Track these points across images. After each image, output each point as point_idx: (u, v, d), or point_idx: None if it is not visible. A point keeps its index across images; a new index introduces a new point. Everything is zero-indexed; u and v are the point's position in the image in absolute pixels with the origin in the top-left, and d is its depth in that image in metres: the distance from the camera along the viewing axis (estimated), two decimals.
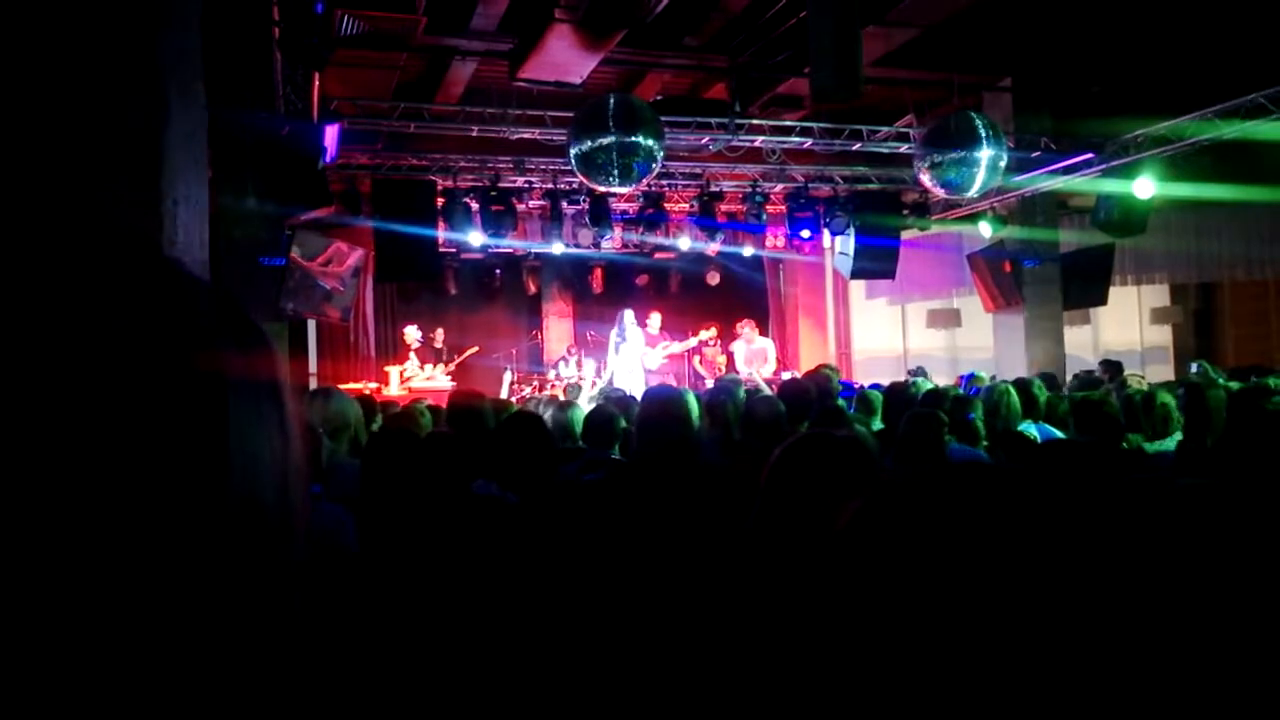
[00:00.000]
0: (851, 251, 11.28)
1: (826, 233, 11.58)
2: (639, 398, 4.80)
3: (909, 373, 10.67)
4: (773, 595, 1.63)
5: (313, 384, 10.12)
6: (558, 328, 14.27)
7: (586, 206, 10.53)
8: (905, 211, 11.65)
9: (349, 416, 3.89)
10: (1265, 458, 2.64)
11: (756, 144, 9.84)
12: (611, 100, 7.61)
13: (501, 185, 10.08)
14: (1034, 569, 0.45)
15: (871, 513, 0.55)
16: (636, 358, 11.67)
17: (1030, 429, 5.03)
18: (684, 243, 12.05)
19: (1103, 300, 11.46)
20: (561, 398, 8.78)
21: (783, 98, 9.95)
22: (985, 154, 8.13)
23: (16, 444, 0.42)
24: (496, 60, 8.56)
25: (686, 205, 11.48)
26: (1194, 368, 8.51)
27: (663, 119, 8.02)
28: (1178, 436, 4.46)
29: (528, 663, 1.97)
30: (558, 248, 11.17)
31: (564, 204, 10.61)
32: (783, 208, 11.66)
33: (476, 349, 11.84)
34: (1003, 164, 8.38)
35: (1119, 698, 0.41)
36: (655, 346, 11.93)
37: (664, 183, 10.69)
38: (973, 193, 8.62)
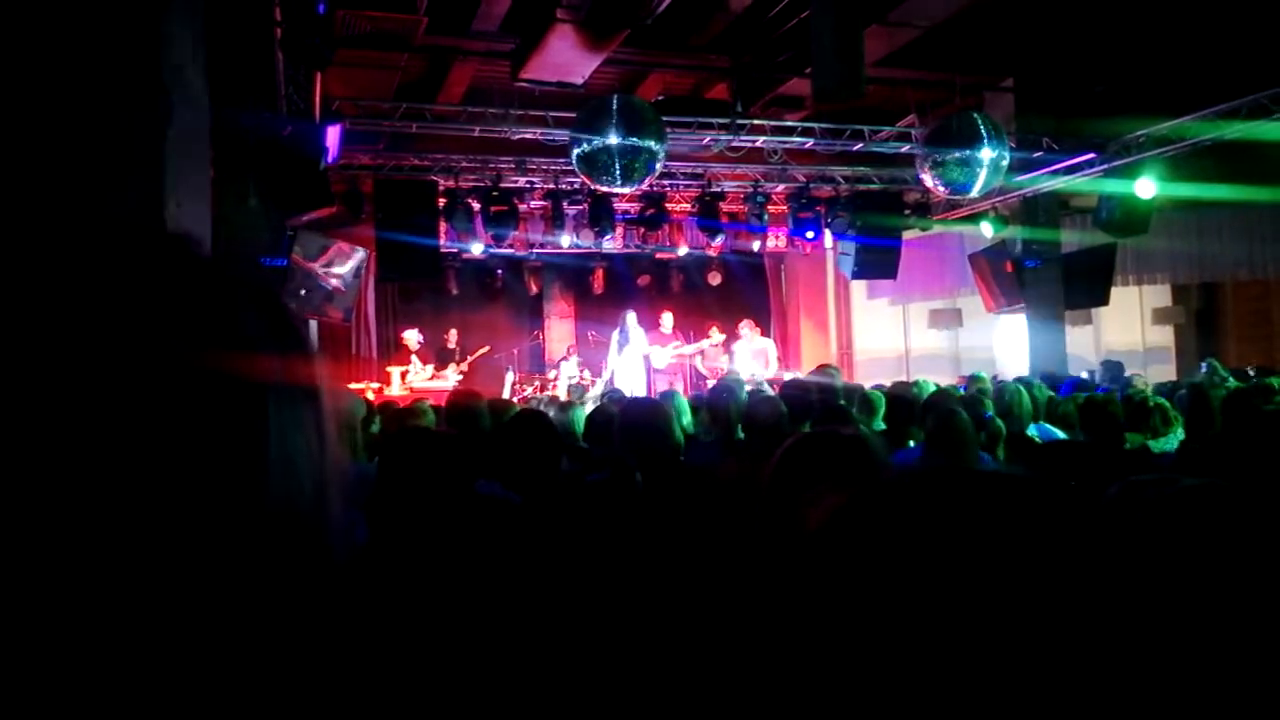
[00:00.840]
0: (853, 252, 11.28)
1: (828, 233, 11.58)
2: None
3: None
4: (771, 595, 1.63)
5: None
6: (559, 328, 14.28)
7: (588, 207, 10.54)
8: (907, 212, 11.64)
9: (355, 417, 3.90)
10: (1262, 457, 2.64)
11: (758, 144, 9.83)
12: (613, 101, 7.62)
13: (503, 186, 10.08)
14: (1023, 574, 0.44)
15: (849, 513, 0.55)
16: (639, 359, 11.69)
17: (1030, 429, 5.02)
18: (682, 251, 12.07)
19: (1104, 300, 11.45)
20: (564, 399, 8.78)
21: (784, 98, 9.95)
22: (987, 154, 8.13)
23: (48, 445, 0.42)
24: (498, 61, 8.56)
25: (688, 205, 11.48)
26: (1203, 368, 8.51)
27: (664, 119, 8.03)
28: (1179, 435, 4.46)
29: (532, 662, 1.97)
30: (556, 248, 11.16)
31: (565, 204, 10.61)
32: (784, 208, 11.66)
33: (488, 349, 11.86)
34: (1004, 164, 8.38)
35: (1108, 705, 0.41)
36: (666, 346, 11.96)
37: (665, 183, 10.69)
38: (974, 193, 8.62)
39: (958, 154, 8.21)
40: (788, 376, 9.80)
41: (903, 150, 9.84)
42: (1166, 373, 12.74)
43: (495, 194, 9.97)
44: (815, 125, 9.70)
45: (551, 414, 4.62)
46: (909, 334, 14.77)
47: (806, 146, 10.04)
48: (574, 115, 7.95)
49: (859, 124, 9.70)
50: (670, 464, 3.02)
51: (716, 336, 12.40)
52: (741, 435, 4.37)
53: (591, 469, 3.57)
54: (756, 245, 12.60)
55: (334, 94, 8.19)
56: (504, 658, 1.93)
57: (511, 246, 11.52)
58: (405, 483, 2.26)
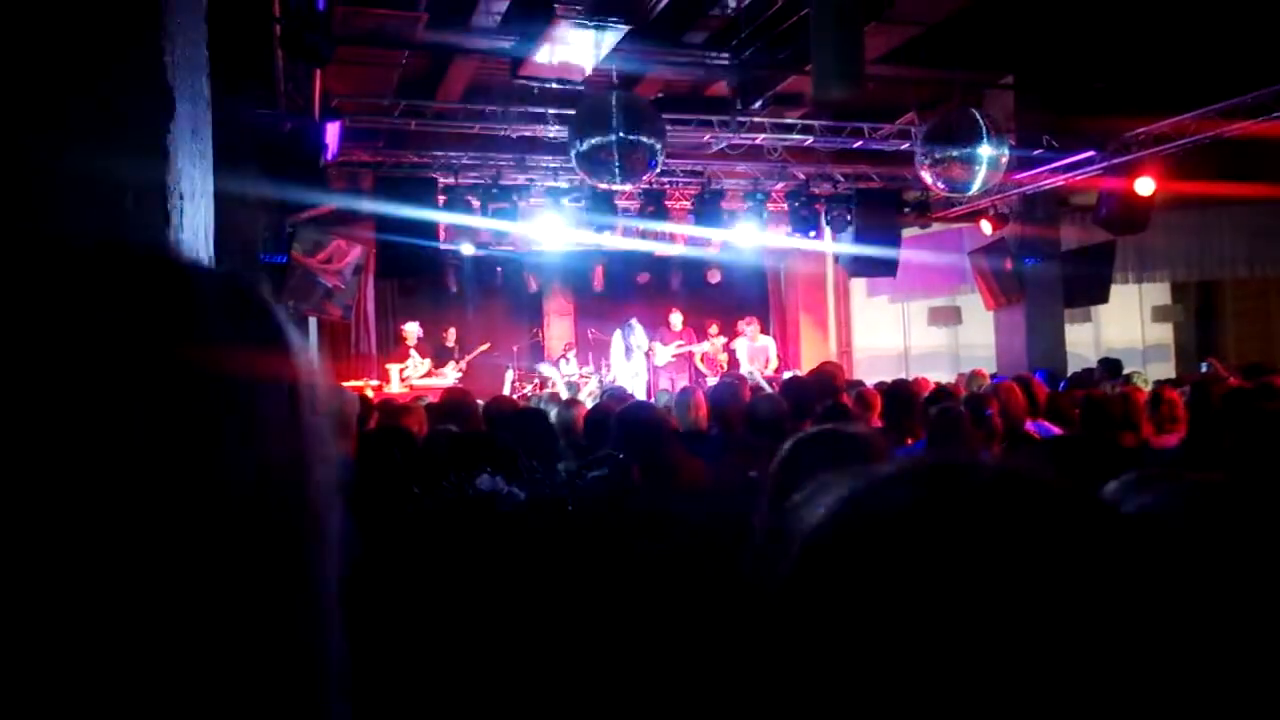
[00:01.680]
0: (852, 249, 11.28)
1: (828, 230, 11.58)
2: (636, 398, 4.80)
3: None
4: (769, 592, 1.63)
5: None
6: (558, 325, 14.27)
7: (587, 204, 10.53)
8: (906, 209, 11.64)
9: (349, 414, 3.90)
10: (1262, 456, 2.64)
11: (758, 141, 9.83)
12: (613, 97, 7.61)
13: (503, 182, 10.08)
14: (1030, 569, 0.44)
15: (848, 506, 0.54)
16: (641, 360, 11.74)
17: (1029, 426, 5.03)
18: (679, 248, 12.08)
19: (1104, 298, 11.45)
20: (564, 396, 8.78)
21: (784, 95, 9.93)
22: (986, 151, 8.12)
23: (8, 443, 0.42)
24: (498, 57, 8.55)
25: (688, 203, 11.48)
26: (1204, 367, 8.52)
27: (664, 116, 8.02)
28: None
29: (531, 660, 1.97)
30: (556, 245, 11.15)
31: (565, 201, 10.61)
32: (784, 205, 11.66)
33: (488, 346, 11.85)
34: (1004, 161, 8.37)
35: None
36: (669, 344, 11.98)
37: (665, 180, 10.68)
38: (974, 190, 8.62)
39: (957, 151, 8.21)
40: (787, 375, 9.80)
41: (902, 148, 9.84)
42: (1166, 370, 12.74)
43: (495, 190, 9.96)
44: (815, 122, 9.69)
45: (555, 411, 4.62)
46: (909, 332, 14.77)
47: (806, 144, 10.04)
48: (573, 112, 7.94)
49: (859, 121, 9.70)
50: (669, 460, 3.02)
51: (718, 339, 12.45)
52: (743, 432, 4.38)
53: (591, 465, 3.58)
54: (749, 249, 12.60)
55: (334, 91, 8.18)
56: (503, 652, 1.93)
57: (513, 246, 11.53)
58: (389, 481, 2.26)
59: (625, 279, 13.87)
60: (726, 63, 9.27)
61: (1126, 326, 14.00)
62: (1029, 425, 5.03)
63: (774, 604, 0.52)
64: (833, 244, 12.29)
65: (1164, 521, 0.51)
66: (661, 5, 6.96)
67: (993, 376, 7.61)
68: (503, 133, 8.96)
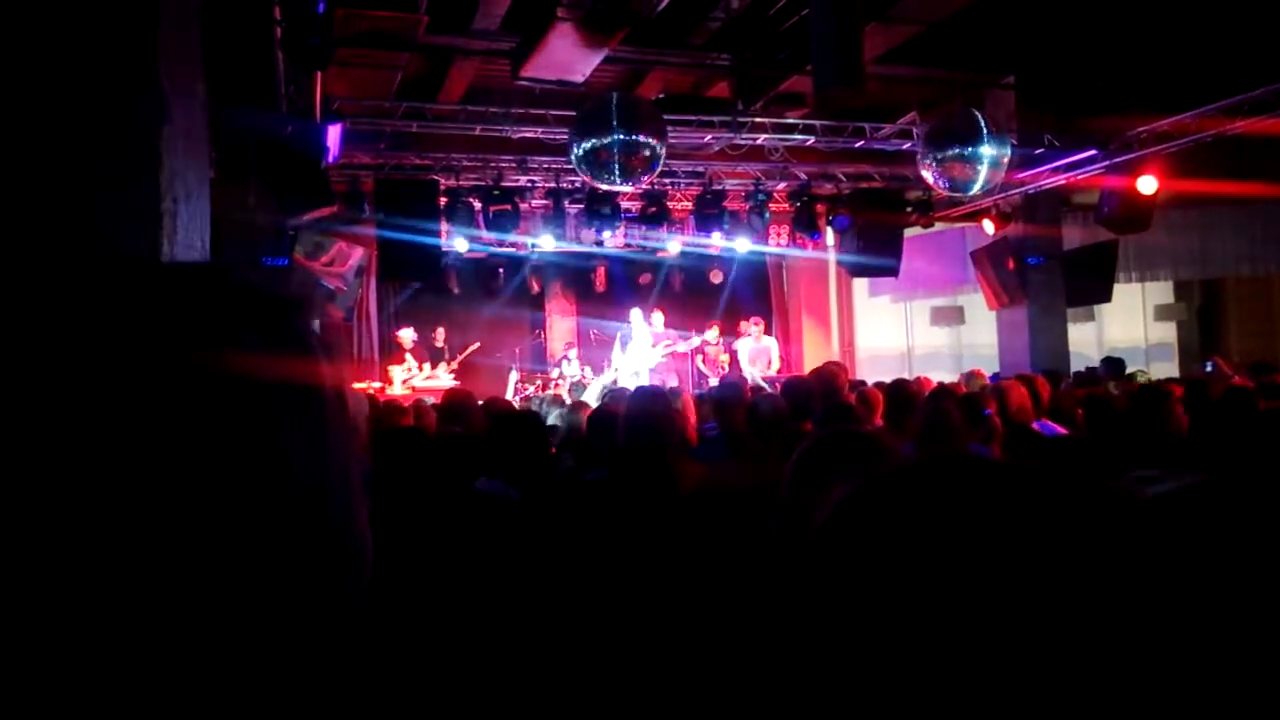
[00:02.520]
0: (854, 249, 11.28)
1: (829, 230, 11.57)
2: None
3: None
4: (779, 593, 1.63)
5: None
6: (560, 326, 14.29)
7: (588, 205, 10.53)
8: (908, 209, 11.63)
9: (361, 417, 3.91)
10: (1262, 455, 2.64)
11: (759, 142, 9.83)
12: (614, 99, 7.61)
13: (504, 184, 10.08)
14: (1026, 570, 0.44)
15: (854, 505, 0.55)
16: (642, 356, 11.70)
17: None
18: (676, 245, 12.05)
19: (1107, 297, 11.43)
20: (566, 397, 8.78)
21: (785, 95, 9.93)
22: (988, 151, 8.12)
23: (16, 446, 0.42)
24: (499, 59, 8.55)
25: (689, 203, 11.47)
26: (1208, 366, 8.49)
27: (665, 117, 8.01)
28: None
29: (531, 659, 1.97)
30: (548, 241, 11.09)
31: (566, 203, 10.61)
32: (786, 206, 11.65)
33: (478, 345, 11.89)
34: (1006, 161, 8.37)
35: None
36: (657, 345, 11.95)
37: (666, 181, 10.68)
38: (976, 190, 8.61)
39: (959, 151, 8.20)
40: (787, 375, 9.80)
41: (904, 148, 9.83)
42: (1169, 369, 12.72)
43: (496, 193, 9.97)
44: (816, 123, 9.69)
45: (565, 415, 4.64)
46: (911, 332, 14.76)
47: (808, 144, 10.03)
48: (574, 114, 7.94)
49: (860, 121, 9.69)
50: (674, 453, 3.01)
51: (709, 334, 12.40)
52: (745, 432, 4.37)
53: (592, 466, 3.58)
54: (751, 249, 12.59)
55: (334, 93, 8.19)
56: (503, 653, 1.93)
57: (514, 247, 11.53)
58: (395, 483, 2.26)
59: (627, 279, 13.88)
60: (727, 63, 9.27)
61: (1129, 325, 13.98)
62: (1033, 425, 5.02)
63: (809, 549, 0.56)
64: (834, 244, 12.28)
65: (1154, 507, 0.52)
66: (662, 6, 6.96)
67: (991, 376, 7.60)
68: (504, 134, 8.96)
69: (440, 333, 11.69)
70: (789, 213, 11.54)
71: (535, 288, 14.05)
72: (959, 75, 9.34)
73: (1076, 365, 10.67)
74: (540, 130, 8.88)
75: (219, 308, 0.50)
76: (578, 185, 10.22)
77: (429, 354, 11.36)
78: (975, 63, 9.47)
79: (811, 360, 12.85)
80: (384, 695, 1.80)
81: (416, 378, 10.76)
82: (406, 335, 11.15)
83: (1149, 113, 9.28)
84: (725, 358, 12.59)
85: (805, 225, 11.19)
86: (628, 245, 12.35)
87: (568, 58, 7.35)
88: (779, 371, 11.91)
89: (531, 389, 11.50)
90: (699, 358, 12.71)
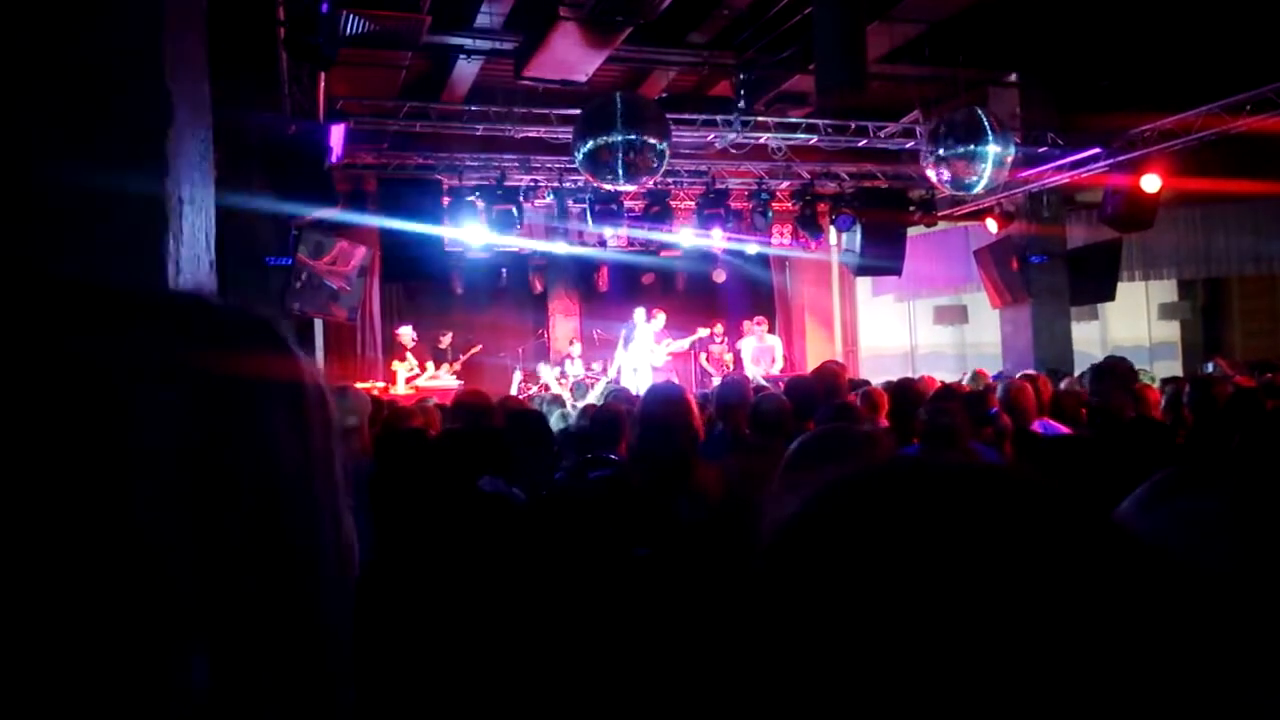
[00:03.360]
0: (858, 248, 11.27)
1: (833, 229, 11.56)
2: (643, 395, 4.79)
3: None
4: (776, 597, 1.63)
5: None
6: (563, 326, 14.28)
7: (591, 204, 10.53)
8: (911, 208, 11.63)
9: (359, 414, 3.90)
10: (1265, 455, 2.63)
11: (762, 141, 9.82)
12: (617, 98, 7.61)
13: (507, 184, 10.08)
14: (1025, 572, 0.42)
15: (794, 525, 0.52)
16: (644, 355, 11.70)
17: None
18: (685, 238, 12.03)
19: (1110, 296, 11.41)
20: (567, 397, 8.78)
21: (788, 94, 9.93)
22: (992, 149, 8.11)
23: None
24: (502, 59, 8.56)
25: (692, 203, 11.47)
26: (1210, 367, 8.48)
27: (668, 116, 8.01)
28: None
29: (534, 659, 1.97)
30: (560, 246, 11.14)
31: (570, 202, 10.61)
32: (789, 205, 11.64)
33: (480, 347, 11.88)
34: (1009, 159, 8.36)
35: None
36: (659, 344, 11.96)
37: (669, 180, 10.68)
38: (979, 188, 8.60)
39: (962, 149, 8.19)
40: (790, 375, 9.79)
41: (907, 146, 9.82)
42: (1172, 368, 12.70)
43: (499, 192, 9.97)
44: (819, 121, 9.69)
45: (558, 413, 4.63)
46: (914, 330, 14.75)
47: (811, 143, 10.03)
48: (577, 113, 7.94)
49: (863, 120, 9.68)
50: (690, 451, 3.00)
51: (703, 331, 12.40)
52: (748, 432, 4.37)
53: (595, 466, 3.58)
54: (754, 249, 12.58)
55: (338, 93, 8.20)
56: (506, 652, 1.93)
57: (517, 247, 11.53)
58: (399, 483, 2.26)
59: (629, 279, 13.87)
60: (730, 62, 9.27)
61: (1133, 324, 13.96)
62: (1035, 424, 5.01)
63: (748, 583, 0.51)
64: (838, 243, 12.28)
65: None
66: (665, 4, 6.96)
67: (994, 375, 7.59)
68: (507, 134, 8.96)
69: (448, 335, 11.69)
70: (792, 212, 11.52)
71: (538, 287, 14.05)
72: (962, 74, 9.33)
73: (1080, 364, 10.65)
74: (543, 129, 8.88)
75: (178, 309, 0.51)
76: (581, 184, 10.23)
77: (430, 352, 11.36)
78: (978, 61, 9.46)
79: (814, 360, 12.84)
80: (384, 693, 1.81)
81: (420, 377, 10.76)
82: (405, 333, 11.13)
83: (1153, 111, 9.26)
84: (729, 356, 12.58)
85: (808, 224, 11.18)
86: (630, 245, 12.35)
87: (571, 57, 7.37)
88: (782, 371, 11.90)
89: (535, 388, 11.50)
90: (703, 356, 12.69)
